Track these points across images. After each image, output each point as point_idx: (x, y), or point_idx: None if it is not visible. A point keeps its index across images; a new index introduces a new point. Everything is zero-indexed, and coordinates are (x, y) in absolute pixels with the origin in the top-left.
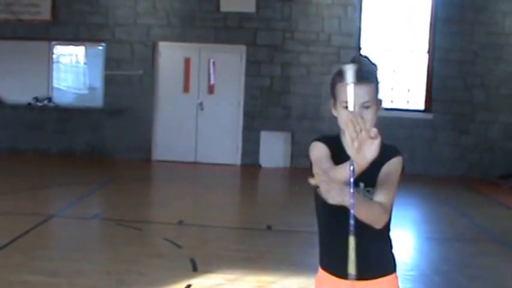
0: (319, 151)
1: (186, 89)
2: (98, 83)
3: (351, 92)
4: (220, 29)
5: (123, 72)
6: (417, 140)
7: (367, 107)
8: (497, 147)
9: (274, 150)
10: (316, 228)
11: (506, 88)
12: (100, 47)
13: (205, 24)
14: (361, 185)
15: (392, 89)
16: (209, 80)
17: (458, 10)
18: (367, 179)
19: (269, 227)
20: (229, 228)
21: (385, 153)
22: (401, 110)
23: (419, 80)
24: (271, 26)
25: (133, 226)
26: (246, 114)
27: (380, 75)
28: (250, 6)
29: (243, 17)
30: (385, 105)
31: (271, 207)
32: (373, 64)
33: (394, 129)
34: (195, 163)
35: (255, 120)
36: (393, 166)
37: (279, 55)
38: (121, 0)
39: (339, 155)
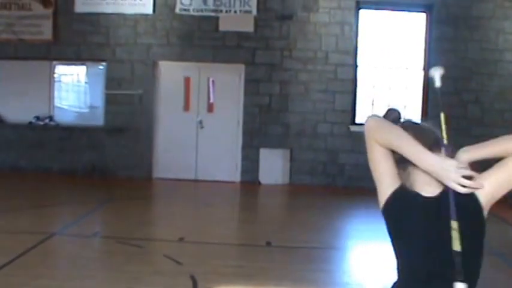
0: None
1: (186, 107)
2: (99, 102)
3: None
4: (219, 48)
5: (124, 91)
6: None
7: None
8: (493, 162)
9: (273, 167)
10: (314, 244)
11: (500, 103)
12: (101, 67)
13: (204, 44)
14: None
15: (388, 106)
16: (208, 99)
17: (453, 28)
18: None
19: (269, 244)
20: (229, 244)
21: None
22: None
23: (415, 96)
24: (270, 45)
25: (134, 244)
26: (245, 132)
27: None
28: (248, 26)
29: (241, 36)
30: None
31: (271, 224)
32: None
33: None
34: (195, 180)
35: (254, 138)
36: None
37: (277, 73)
38: (121, 20)
39: None
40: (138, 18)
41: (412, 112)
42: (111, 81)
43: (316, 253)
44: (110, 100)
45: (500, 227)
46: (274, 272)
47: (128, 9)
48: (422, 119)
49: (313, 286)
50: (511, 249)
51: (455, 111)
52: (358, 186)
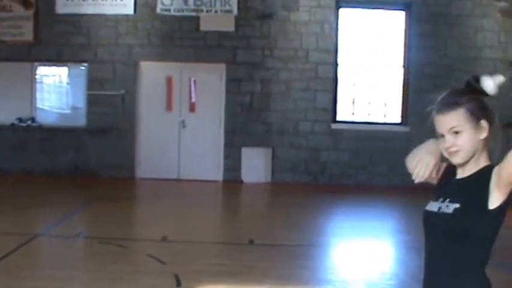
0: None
1: (168, 107)
2: (81, 103)
3: None
4: (200, 48)
5: (106, 92)
6: (394, 152)
7: (456, 132)
8: None
9: (255, 165)
10: (296, 242)
11: None
12: (82, 67)
13: (185, 44)
14: (447, 200)
15: (369, 103)
16: (190, 98)
17: (432, 26)
18: (454, 195)
19: (251, 242)
20: (212, 243)
21: (479, 176)
22: (378, 123)
23: (396, 93)
24: (251, 44)
25: (117, 244)
26: (227, 131)
27: (472, 101)
28: (229, 25)
29: (222, 35)
30: (361, 119)
31: (254, 222)
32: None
33: (371, 142)
34: (178, 180)
35: (235, 137)
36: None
37: (258, 72)
38: (103, 21)
39: (448, 179)
40: (119, 19)
41: (392, 109)
42: (93, 82)
43: (299, 250)
44: (92, 101)
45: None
46: (257, 270)
47: (109, 10)
48: (402, 117)
49: (296, 283)
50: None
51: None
52: (339, 184)
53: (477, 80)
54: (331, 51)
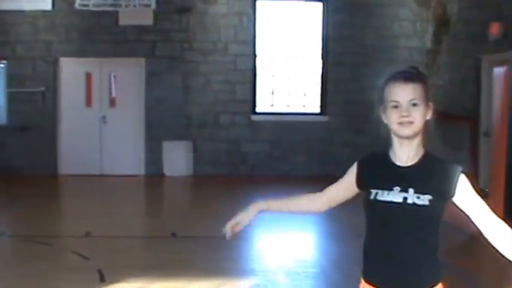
0: (347, 173)
1: (88, 103)
2: (1, 101)
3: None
4: (120, 42)
5: (26, 89)
6: (314, 142)
7: (414, 105)
8: (389, 145)
9: (176, 159)
10: (218, 233)
11: None
12: (1, 65)
13: (104, 39)
14: (411, 190)
15: (288, 94)
16: (111, 94)
17: (348, 15)
18: (417, 185)
19: (174, 234)
20: (135, 237)
21: (441, 167)
22: (298, 113)
23: (314, 84)
24: (170, 38)
25: (41, 241)
26: (148, 125)
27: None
28: (148, 19)
29: (141, 30)
30: (281, 110)
31: (176, 215)
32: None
33: (291, 132)
34: (100, 175)
35: (156, 131)
36: (470, 191)
37: (178, 66)
38: (20, 17)
39: (383, 167)
40: (37, 15)
41: (311, 100)
42: (12, 79)
43: (221, 242)
44: (12, 98)
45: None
46: (180, 262)
47: (27, 6)
48: (321, 107)
49: (219, 274)
50: None
51: (354, 98)
52: (261, 174)
53: (417, 70)
54: (249, 43)
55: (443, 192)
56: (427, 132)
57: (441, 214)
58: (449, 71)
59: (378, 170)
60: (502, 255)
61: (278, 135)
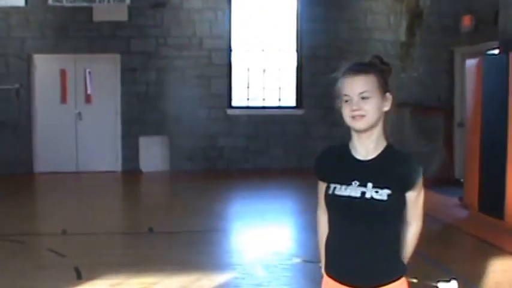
0: (316, 175)
1: (63, 100)
2: None
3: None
4: (94, 38)
5: (0, 86)
6: (290, 136)
7: (364, 98)
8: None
9: (153, 154)
10: (196, 228)
11: None
12: None
13: (79, 35)
14: (369, 185)
15: (264, 88)
16: (86, 90)
17: (322, 9)
18: (376, 180)
19: (151, 230)
20: (112, 234)
21: (401, 161)
22: (274, 107)
23: (290, 77)
24: (144, 33)
25: (15, 240)
26: (124, 121)
27: (380, 72)
28: (122, 15)
29: (115, 25)
30: (257, 103)
31: (153, 211)
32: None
33: (267, 126)
34: (76, 172)
35: (132, 127)
36: (420, 193)
37: (153, 61)
38: None
39: (342, 160)
40: (9, 11)
41: (287, 93)
42: None
43: (198, 236)
44: None
45: None
46: (157, 257)
47: None
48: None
49: (196, 268)
50: None
51: (328, 90)
52: (237, 168)
53: (380, 60)
54: (224, 38)
55: (402, 187)
56: (387, 124)
57: (402, 209)
58: (423, 63)
59: (337, 163)
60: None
61: (254, 129)
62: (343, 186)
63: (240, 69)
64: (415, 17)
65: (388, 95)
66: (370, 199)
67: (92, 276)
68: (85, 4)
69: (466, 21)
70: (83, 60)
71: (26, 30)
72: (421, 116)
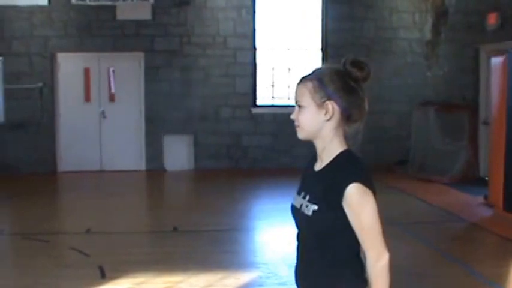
0: None
1: (87, 98)
2: None
3: None
4: (118, 37)
5: (23, 85)
6: None
7: (299, 106)
8: (391, 136)
9: (177, 153)
10: (220, 227)
11: (397, 79)
12: None
13: (102, 33)
14: (307, 197)
15: (288, 86)
16: (109, 89)
17: (347, 7)
18: (312, 193)
19: (175, 229)
20: (136, 233)
21: (332, 176)
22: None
23: None
24: (168, 32)
25: (40, 238)
26: (148, 119)
27: (331, 80)
28: (146, 14)
29: (139, 24)
30: (281, 102)
31: (177, 209)
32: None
33: (291, 125)
34: (100, 171)
35: (157, 125)
36: (355, 212)
37: (177, 60)
38: (15, 13)
39: (307, 170)
40: (33, 10)
41: None
42: (9, 76)
43: (222, 235)
44: (9, 95)
45: (397, 197)
46: (182, 256)
47: (22, 1)
48: None
49: (220, 267)
50: (410, 219)
51: None
52: (261, 168)
53: (352, 62)
54: (249, 37)
55: (328, 204)
56: (348, 133)
57: (336, 226)
58: (448, 61)
59: (304, 173)
60: None
61: (279, 128)
62: (296, 196)
63: (264, 68)
64: (440, 15)
65: (329, 104)
66: (302, 213)
67: (116, 275)
68: (109, 3)
69: (492, 19)
70: (107, 59)
71: (50, 29)
72: (445, 114)
